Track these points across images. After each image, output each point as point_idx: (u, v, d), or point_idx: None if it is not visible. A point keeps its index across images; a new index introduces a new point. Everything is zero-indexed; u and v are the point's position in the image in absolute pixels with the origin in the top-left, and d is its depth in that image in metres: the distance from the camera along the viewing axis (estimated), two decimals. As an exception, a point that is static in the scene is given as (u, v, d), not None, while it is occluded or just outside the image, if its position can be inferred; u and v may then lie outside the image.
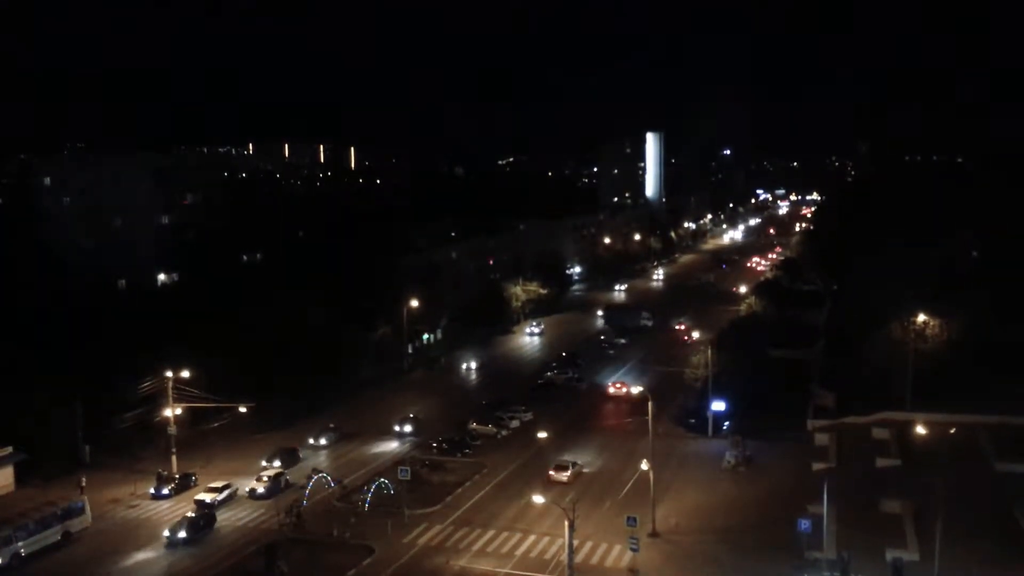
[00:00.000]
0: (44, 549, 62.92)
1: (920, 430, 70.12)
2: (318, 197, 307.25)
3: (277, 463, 78.26)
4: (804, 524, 55.70)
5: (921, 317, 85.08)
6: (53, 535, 63.89)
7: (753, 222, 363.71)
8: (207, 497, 70.37)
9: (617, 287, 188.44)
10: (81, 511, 66.66)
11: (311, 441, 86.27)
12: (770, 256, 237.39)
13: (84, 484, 74.68)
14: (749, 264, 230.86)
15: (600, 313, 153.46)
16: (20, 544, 61.62)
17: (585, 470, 77.34)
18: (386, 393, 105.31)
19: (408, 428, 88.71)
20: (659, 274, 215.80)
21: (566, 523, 56.20)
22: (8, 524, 62.00)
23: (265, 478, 73.60)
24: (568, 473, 74.47)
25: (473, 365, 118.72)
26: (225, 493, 71.62)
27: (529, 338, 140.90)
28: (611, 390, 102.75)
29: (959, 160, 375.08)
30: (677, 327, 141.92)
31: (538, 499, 61.89)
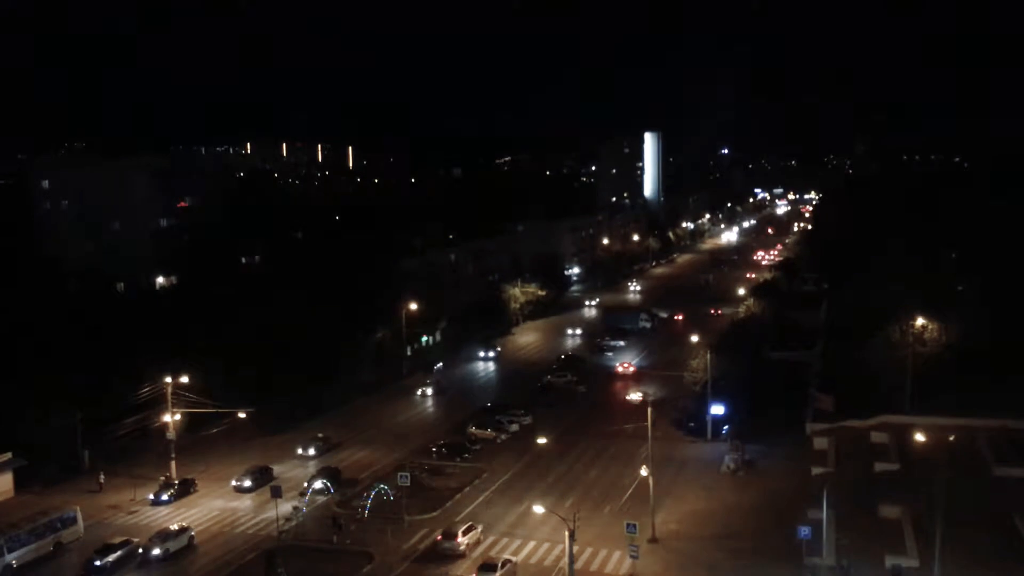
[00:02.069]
0: (36, 560, 62.05)
1: (919, 437, 70.17)
2: (316, 197, 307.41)
3: (248, 482, 74.01)
4: (804, 531, 55.68)
5: (920, 321, 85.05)
6: (45, 546, 62.89)
7: (747, 224, 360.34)
8: (96, 559, 60.24)
9: (588, 303, 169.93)
10: (73, 521, 65.64)
11: (299, 451, 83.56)
12: (772, 252, 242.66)
13: (103, 480, 75.63)
14: (754, 257, 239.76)
15: (570, 332, 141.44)
16: (12, 555, 60.72)
17: (651, 398, 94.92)
18: (384, 398, 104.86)
19: (318, 484, 72.60)
20: (635, 286, 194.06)
21: (566, 531, 56.31)
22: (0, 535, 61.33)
23: (165, 536, 62.98)
24: (640, 396, 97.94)
25: (428, 391, 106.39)
26: (119, 553, 60.85)
27: (483, 363, 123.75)
28: (619, 369, 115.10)
29: (957, 159, 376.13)
30: (675, 317, 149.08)
31: (538, 508, 61.89)
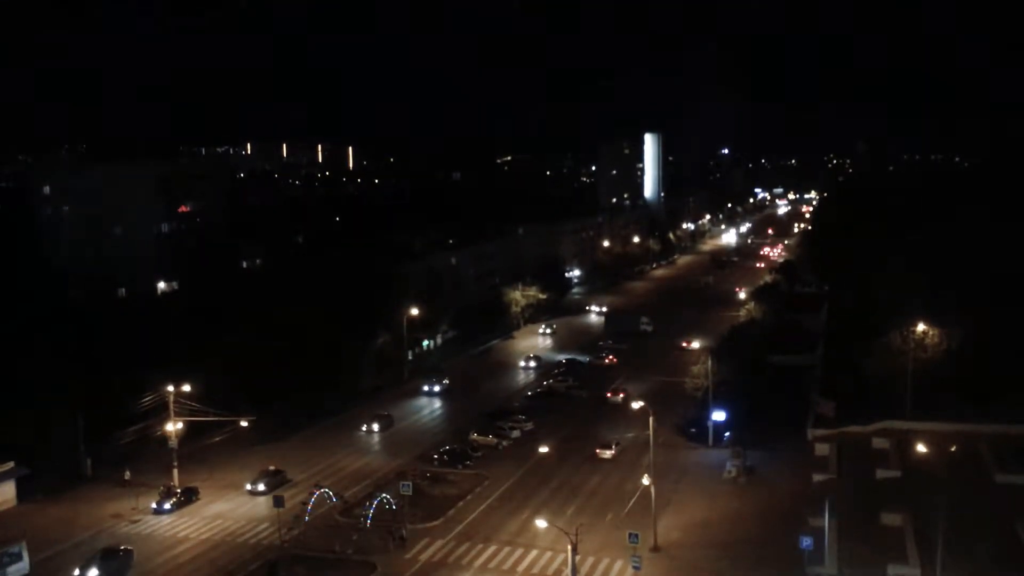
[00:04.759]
0: None
1: (921, 446, 70.29)
2: (317, 199, 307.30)
3: (94, 572, 59.90)
4: (806, 542, 55.71)
5: (920, 327, 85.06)
6: None
7: (745, 228, 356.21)
8: None
9: (543, 329, 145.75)
10: (18, 557, 61.06)
11: (248, 487, 75.79)
12: (777, 248, 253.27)
13: (128, 477, 76.18)
14: (761, 252, 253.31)
15: (523, 364, 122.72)
16: None
17: (697, 346, 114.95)
18: (384, 404, 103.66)
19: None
20: (598, 307, 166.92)
21: (569, 544, 56.47)
22: None
23: None
24: (695, 344, 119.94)
25: (375, 427, 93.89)
26: None
27: (428, 398, 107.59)
28: (605, 362, 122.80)
29: (956, 159, 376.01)
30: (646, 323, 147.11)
31: (540, 523, 61.87)
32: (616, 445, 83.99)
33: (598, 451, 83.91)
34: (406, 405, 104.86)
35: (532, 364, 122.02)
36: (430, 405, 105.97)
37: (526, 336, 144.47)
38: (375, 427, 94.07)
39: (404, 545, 64.50)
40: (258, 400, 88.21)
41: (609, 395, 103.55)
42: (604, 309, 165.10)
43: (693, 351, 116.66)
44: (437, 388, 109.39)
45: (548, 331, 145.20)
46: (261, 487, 75.73)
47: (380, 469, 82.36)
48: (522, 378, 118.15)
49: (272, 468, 78.95)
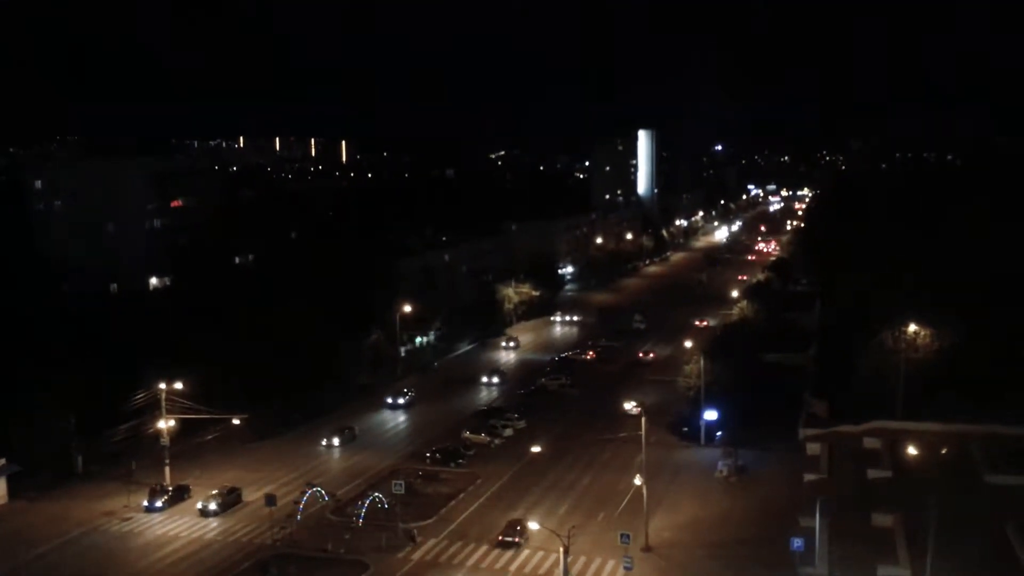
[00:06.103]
0: None
1: (911, 446, 70.34)
2: (310, 194, 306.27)
3: None
4: (797, 543, 55.84)
5: (912, 327, 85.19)
6: None
7: (738, 225, 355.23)
8: None
9: (505, 343, 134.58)
10: None
11: (199, 507, 72.07)
12: (771, 243, 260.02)
13: (135, 467, 76.71)
14: (756, 247, 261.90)
15: (484, 380, 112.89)
16: None
17: (712, 324, 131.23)
18: (377, 404, 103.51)
19: None
20: (564, 316, 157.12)
21: (561, 546, 56.57)
22: None
23: None
24: (707, 322, 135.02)
25: (335, 441, 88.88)
26: None
27: (392, 412, 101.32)
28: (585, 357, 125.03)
29: (949, 157, 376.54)
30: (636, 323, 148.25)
31: (533, 525, 61.95)
32: (641, 405, 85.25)
33: (625, 406, 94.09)
34: (371, 417, 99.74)
35: (495, 380, 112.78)
36: (394, 419, 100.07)
37: (518, 334, 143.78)
38: (335, 441, 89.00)
39: (416, 544, 64.42)
40: (254, 398, 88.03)
41: (641, 355, 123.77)
42: (577, 318, 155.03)
43: (688, 350, 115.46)
44: (402, 401, 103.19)
45: (511, 344, 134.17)
46: (213, 506, 71.54)
47: (371, 468, 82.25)
48: (484, 396, 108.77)
49: (227, 487, 74.76)
